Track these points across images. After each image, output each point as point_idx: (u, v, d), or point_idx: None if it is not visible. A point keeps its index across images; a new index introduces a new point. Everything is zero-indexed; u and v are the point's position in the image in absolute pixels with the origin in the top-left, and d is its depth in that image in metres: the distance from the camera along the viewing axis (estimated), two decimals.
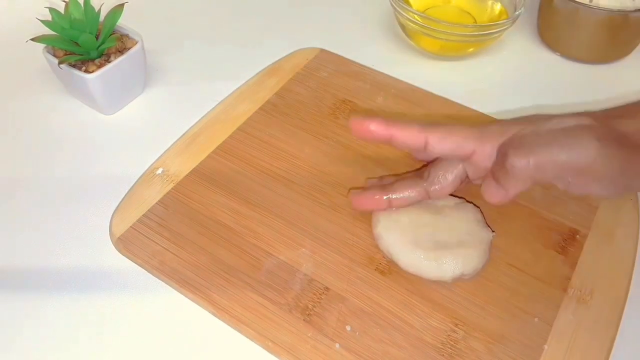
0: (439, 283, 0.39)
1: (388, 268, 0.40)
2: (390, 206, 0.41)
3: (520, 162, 0.34)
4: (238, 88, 0.54)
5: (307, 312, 0.38)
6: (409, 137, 0.37)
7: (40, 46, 0.50)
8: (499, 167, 0.36)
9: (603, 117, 0.36)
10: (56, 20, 0.48)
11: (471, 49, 0.58)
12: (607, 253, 0.41)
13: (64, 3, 0.49)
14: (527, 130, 0.36)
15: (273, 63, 0.57)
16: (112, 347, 0.38)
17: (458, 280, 0.39)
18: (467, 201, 0.42)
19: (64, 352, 0.37)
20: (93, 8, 0.50)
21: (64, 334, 0.38)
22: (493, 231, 0.41)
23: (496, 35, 0.55)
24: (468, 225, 0.40)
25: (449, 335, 0.37)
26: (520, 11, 0.55)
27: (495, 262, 0.40)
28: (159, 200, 0.44)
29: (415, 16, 0.55)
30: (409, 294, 0.39)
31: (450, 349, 0.36)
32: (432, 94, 0.53)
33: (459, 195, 0.43)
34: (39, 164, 0.49)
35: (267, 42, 0.60)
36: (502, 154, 0.36)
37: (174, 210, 0.44)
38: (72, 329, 0.38)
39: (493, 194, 0.38)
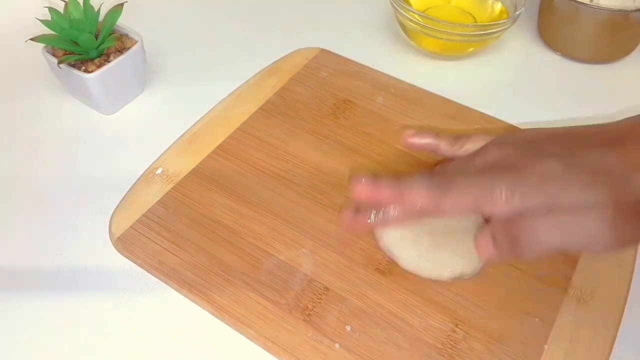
0: (438, 283, 0.39)
1: (388, 268, 0.40)
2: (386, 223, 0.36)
3: (530, 254, 0.32)
4: (238, 88, 0.54)
5: (307, 312, 0.38)
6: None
7: (40, 46, 0.50)
8: (504, 237, 0.33)
9: (621, 183, 0.31)
10: (55, 19, 0.48)
11: (471, 49, 0.58)
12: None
13: (64, 3, 0.49)
14: (539, 210, 0.32)
15: (273, 63, 0.57)
16: (111, 347, 0.38)
17: (457, 280, 0.39)
18: None
19: (63, 351, 0.37)
20: (92, 8, 0.50)
21: (64, 334, 0.38)
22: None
23: (496, 35, 0.55)
24: (468, 226, 0.40)
25: (449, 335, 0.37)
26: (520, 11, 0.55)
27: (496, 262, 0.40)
28: (158, 200, 0.44)
29: (416, 16, 0.55)
30: (409, 294, 0.39)
31: (451, 349, 0.36)
32: (432, 93, 0.53)
33: None
34: (38, 163, 0.49)
35: (267, 42, 0.60)
36: (510, 231, 0.33)
37: (174, 210, 0.44)
38: (71, 329, 0.38)
39: (486, 251, 0.35)
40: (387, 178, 0.34)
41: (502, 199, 0.32)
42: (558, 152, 0.34)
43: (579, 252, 0.35)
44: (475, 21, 0.59)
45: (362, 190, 0.34)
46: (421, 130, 0.41)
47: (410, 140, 0.41)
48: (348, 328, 0.37)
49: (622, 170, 0.31)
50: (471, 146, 0.39)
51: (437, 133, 0.41)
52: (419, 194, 0.33)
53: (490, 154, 0.36)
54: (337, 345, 0.36)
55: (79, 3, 0.49)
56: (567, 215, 0.31)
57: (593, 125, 0.35)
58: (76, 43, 0.49)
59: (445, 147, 0.40)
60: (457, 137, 0.40)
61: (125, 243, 0.42)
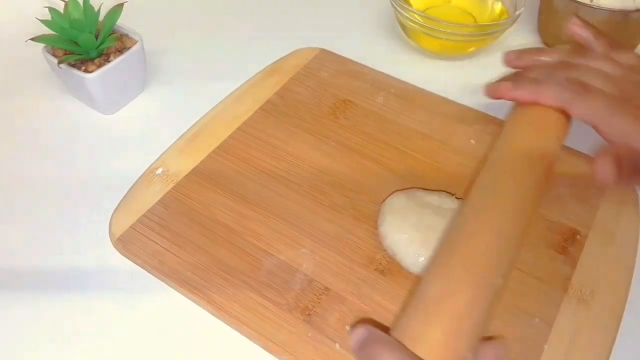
0: None
1: (388, 268, 0.40)
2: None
3: None
4: (238, 88, 0.54)
5: (307, 312, 0.38)
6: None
7: (40, 46, 0.50)
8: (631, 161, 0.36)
9: None
10: (56, 20, 0.48)
11: (471, 49, 0.58)
12: (607, 253, 0.41)
13: (64, 3, 0.49)
14: None
15: (273, 63, 0.57)
16: (111, 347, 0.38)
17: None
18: None
19: (63, 352, 0.37)
20: (92, 7, 0.50)
21: (64, 334, 0.38)
22: None
23: (496, 35, 0.55)
24: None
25: None
26: (520, 11, 0.55)
27: None
28: (158, 200, 0.44)
29: (416, 16, 0.55)
30: (409, 293, 0.39)
31: None
32: (432, 93, 0.53)
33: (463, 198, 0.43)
34: (38, 163, 0.49)
35: (267, 42, 0.60)
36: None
37: (174, 210, 0.44)
38: (71, 329, 0.38)
39: (606, 173, 0.36)
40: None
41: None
42: None
43: None
44: (475, 21, 0.59)
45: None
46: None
47: (574, 28, 0.44)
48: (348, 328, 0.37)
49: None
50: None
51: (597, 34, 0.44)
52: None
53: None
54: (337, 345, 0.36)
55: (79, 3, 0.49)
56: None
57: None
58: (76, 43, 0.49)
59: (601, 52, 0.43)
60: (614, 46, 0.43)
61: (125, 243, 0.42)
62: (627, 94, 0.39)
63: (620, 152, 0.36)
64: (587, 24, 0.44)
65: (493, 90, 0.43)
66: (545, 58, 0.44)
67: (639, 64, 0.41)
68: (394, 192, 0.43)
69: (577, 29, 0.44)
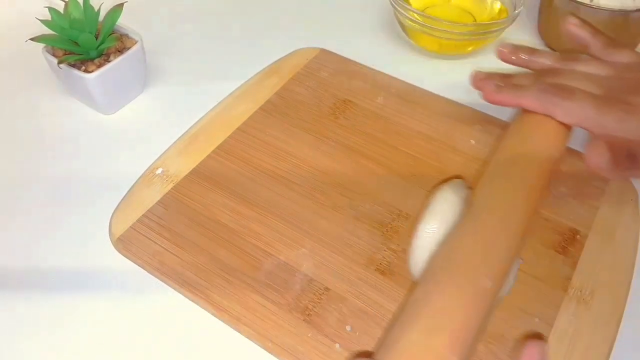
0: None
1: (388, 268, 0.40)
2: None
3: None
4: (238, 88, 0.54)
5: (307, 313, 0.38)
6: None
7: (40, 46, 0.50)
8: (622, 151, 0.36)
9: None
10: (55, 19, 0.48)
11: (471, 48, 0.58)
12: (607, 253, 0.41)
13: (64, 3, 0.49)
14: None
15: (273, 63, 0.57)
16: (111, 348, 0.38)
17: None
18: None
19: (63, 352, 0.37)
20: (92, 7, 0.50)
21: (63, 334, 0.38)
22: (521, 259, 0.38)
23: (496, 33, 0.55)
24: None
25: None
26: (519, 10, 0.55)
27: None
28: (158, 201, 0.44)
29: (415, 15, 0.55)
30: (409, 293, 0.39)
31: None
32: (432, 93, 0.53)
33: None
34: (38, 163, 0.49)
35: (267, 42, 0.60)
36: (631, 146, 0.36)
37: (174, 211, 0.44)
38: (71, 329, 0.38)
39: (598, 161, 0.36)
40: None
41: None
42: None
43: None
44: (475, 20, 0.59)
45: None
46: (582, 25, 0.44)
47: (571, 27, 0.44)
48: (348, 328, 0.37)
49: None
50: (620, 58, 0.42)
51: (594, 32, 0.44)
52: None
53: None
54: (337, 346, 0.36)
55: (79, 3, 0.49)
56: None
57: None
58: (76, 43, 0.49)
59: (598, 50, 0.43)
60: (610, 44, 0.43)
61: (125, 243, 0.42)
62: (613, 91, 0.38)
63: (613, 142, 0.36)
64: (584, 22, 0.44)
65: (477, 86, 0.44)
66: (537, 59, 0.44)
67: (635, 61, 0.41)
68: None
69: (574, 28, 0.44)
